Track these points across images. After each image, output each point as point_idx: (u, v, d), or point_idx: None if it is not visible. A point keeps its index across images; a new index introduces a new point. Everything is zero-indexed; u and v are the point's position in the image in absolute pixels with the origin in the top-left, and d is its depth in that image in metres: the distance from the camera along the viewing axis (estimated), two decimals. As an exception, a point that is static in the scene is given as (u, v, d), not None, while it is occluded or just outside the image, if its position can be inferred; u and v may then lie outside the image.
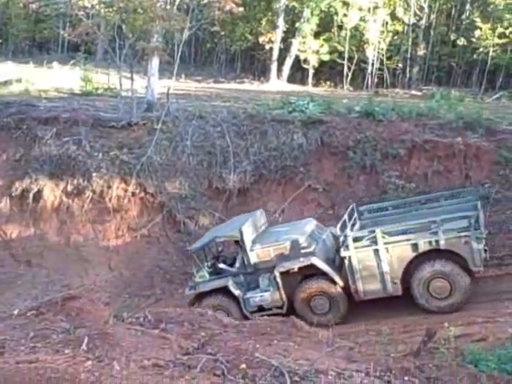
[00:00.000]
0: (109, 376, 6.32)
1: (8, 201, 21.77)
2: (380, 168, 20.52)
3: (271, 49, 36.49)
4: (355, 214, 16.01)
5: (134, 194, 21.45)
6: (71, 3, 25.98)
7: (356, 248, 13.82)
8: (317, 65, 36.07)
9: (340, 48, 35.56)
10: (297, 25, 36.14)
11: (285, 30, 36.70)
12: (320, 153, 21.62)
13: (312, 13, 34.98)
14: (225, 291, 14.99)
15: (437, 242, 13.21)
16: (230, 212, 21.17)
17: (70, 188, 21.57)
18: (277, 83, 35.19)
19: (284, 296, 14.48)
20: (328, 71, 37.78)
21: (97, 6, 25.30)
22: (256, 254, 14.76)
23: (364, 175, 20.81)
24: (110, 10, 25.29)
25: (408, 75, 35.88)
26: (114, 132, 22.94)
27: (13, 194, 21.75)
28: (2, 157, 22.84)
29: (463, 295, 13.63)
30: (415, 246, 13.35)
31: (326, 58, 35.74)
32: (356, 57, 35.51)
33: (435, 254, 13.48)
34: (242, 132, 22.63)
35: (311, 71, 36.19)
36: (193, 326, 8.76)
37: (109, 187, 21.38)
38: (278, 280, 14.38)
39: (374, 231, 13.89)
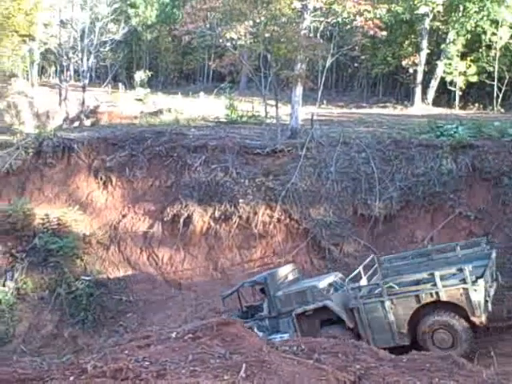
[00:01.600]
0: (269, 405, 6.29)
1: (160, 225, 22.84)
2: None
3: (415, 71, 35.76)
4: (376, 264, 16.36)
5: (279, 220, 21.66)
6: (218, 35, 26.99)
7: (362, 299, 14.36)
8: (464, 86, 34.85)
9: (489, 68, 34.08)
10: (442, 46, 35.18)
11: (429, 51, 35.84)
12: (471, 178, 20.70)
13: (458, 33, 33.92)
14: None
15: (437, 293, 13.49)
16: (375, 240, 20.80)
17: (217, 214, 22.20)
18: (421, 107, 34.39)
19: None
20: (476, 93, 36.39)
21: (243, 37, 26.07)
22: (279, 300, 15.61)
23: (521, 202, 19.66)
24: (256, 40, 25.97)
25: None
26: (259, 159, 23.42)
27: (165, 219, 22.79)
28: (154, 183, 24.08)
29: (466, 346, 13.31)
30: (418, 298, 13.66)
31: (474, 79, 34.48)
32: (507, 77, 33.80)
33: (437, 305, 13.66)
34: (388, 157, 22.23)
35: (458, 93, 35.01)
36: (347, 358, 8.56)
37: (255, 213, 21.77)
38: (295, 323, 15.04)
39: (378, 284, 14.56)
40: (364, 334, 14.25)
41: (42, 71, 44.33)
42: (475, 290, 13.15)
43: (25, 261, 22.52)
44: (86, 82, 33.47)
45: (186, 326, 11.95)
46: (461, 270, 13.55)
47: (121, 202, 24.15)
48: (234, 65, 27.29)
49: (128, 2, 45.73)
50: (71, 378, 7.92)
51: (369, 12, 24.05)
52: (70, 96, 33.89)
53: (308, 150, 23.05)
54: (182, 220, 22.41)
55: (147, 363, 8.28)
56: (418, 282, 14.17)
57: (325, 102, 33.08)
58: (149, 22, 46.42)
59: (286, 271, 17.20)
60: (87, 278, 21.80)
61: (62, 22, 36.67)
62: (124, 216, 23.61)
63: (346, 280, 15.14)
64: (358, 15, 24.08)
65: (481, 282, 13.35)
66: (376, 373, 7.92)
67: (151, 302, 21.14)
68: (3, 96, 30.83)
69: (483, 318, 13.35)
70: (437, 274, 13.60)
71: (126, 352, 9.04)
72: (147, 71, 40.37)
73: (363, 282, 15.45)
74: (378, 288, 14.42)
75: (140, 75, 39.37)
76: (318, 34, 25.93)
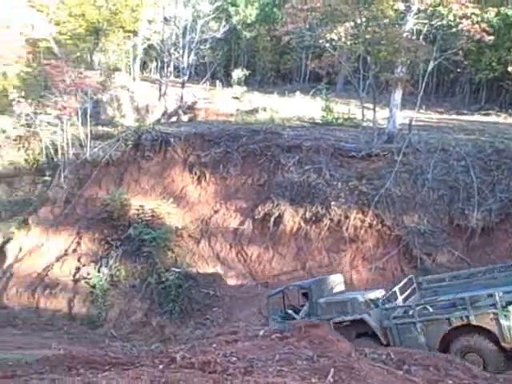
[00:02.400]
0: (357, 413, 6.14)
1: (251, 223, 22.98)
2: None
3: (522, 78, 34.14)
4: (414, 285, 16.34)
5: (370, 226, 21.28)
6: (318, 36, 26.81)
7: (395, 319, 14.44)
8: None
9: None
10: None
11: (539, 57, 34.10)
12: None
13: None
14: None
15: (467, 317, 13.30)
16: (471, 252, 20.08)
17: (308, 215, 22.09)
18: (528, 115, 32.82)
19: None
20: None
21: (343, 38, 25.79)
22: (320, 306, 15.87)
23: None
24: (356, 41, 25.62)
25: None
26: (353, 162, 23.12)
27: (255, 217, 22.92)
28: (247, 181, 24.26)
29: (495, 370, 12.36)
30: (449, 321, 13.56)
31: None
32: None
33: (468, 328, 13.37)
34: (489, 167, 21.38)
35: None
36: (439, 372, 8.27)
37: (346, 217, 21.49)
38: (332, 330, 14.45)
39: (410, 306, 14.61)
40: None
41: (143, 66, 45.70)
42: (505, 316, 12.86)
43: (119, 249, 23.31)
44: (186, 78, 34.19)
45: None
46: (491, 294, 13.37)
47: (213, 197, 24.49)
48: (333, 66, 27.03)
49: (229, 1, 46.36)
50: (160, 367, 8.07)
51: (476, 15, 23.17)
52: (169, 91, 34.73)
53: (404, 155, 22.52)
54: (272, 219, 22.44)
55: (234, 359, 8.31)
56: (452, 305, 14.08)
57: (424, 107, 32.17)
58: (248, 21, 46.87)
59: (332, 280, 17.48)
60: (177, 270, 22.26)
61: (165, 18, 37.64)
62: (216, 212, 23.93)
63: (381, 299, 15.38)
64: (464, 18, 23.25)
65: (511, 307, 13.03)
66: (470, 390, 7.61)
67: (238, 298, 21.31)
68: (107, 89, 31.97)
69: None
70: (467, 298, 13.56)
71: (214, 346, 9.12)
72: (245, 69, 40.74)
73: (400, 301, 15.44)
74: (411, 309, 14.45)
75: (237, 73, 39.79)
76: (421, 37, 25.20)
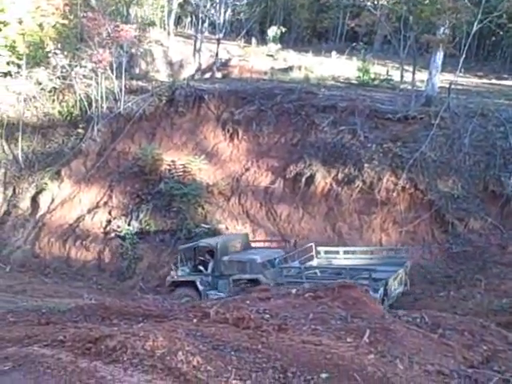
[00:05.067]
0: (393, 374, 6.09)
1: (282, 182, 22.86)
2: None
3: None
4: (313, 252, 18.36)
5: (403, 189, 20.99)
6: (358, -6, 26.14)
7: (286, 277, 16.39)
8: None
9: None
10: None
11: None
12: None
13: None
14: (194, 285, 18.09)
15: None
16: (505, 219, 19.75)
17: (340, 176, 21.88)
18: None
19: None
20: None
21: (384, -3, 25.07)
22: (223, 264, 17.85)
23: None
24: (398, 0, 24.91)
25: None
26: (389, 124, 22.72)
27: (287, 177, 22.77)
28: (280, 140, 24.06)
29: None
30: None
31: None
32: None
33: None
34: (529, 134, 20.82)
35: None
36: (473, 337, 8.15)
37: (379, 179, 21.23)
38: (231, 286, 17.31)
39: (300, 268, 16.64)
40: None
41: (178, 21, 45.15)
42: (374, 289, 14.41)
43: (150, 203, 23.48)
44: (221, 34, 33.74)
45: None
46: (368, 269, 15.59)
47: (245, 155, 24.37)
48: (372, 25, 26.40)
49: (268, -44, 45.34)
50: (194, 320, 8.11)
51: (523, -24, 22.31)
52: (203, 48, 34.35)
53: (442, 119, 22.04)
54: (303, 179, 22.29)
55: (268, 316, 8.31)
56: (337, 273, 15.84)
57: (463, 70, 31.28)
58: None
59: (237, 239, 19.56)
60: (206, 226, 22.36)
61: (201, -28, 36.98)
62: (247, 170, 23.84)
63: (278, 259, 17.58)
64: (510, -21, 22.42)
65: (380, 283, 15.07)
66: (504, 356, 7.51)
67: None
68: (142, 43, 31.74)
69: None
70: (348, 268, 15.84)
71: (247, 302, 9.13)
72: (280, 27, 39.98)
73: (296, 263, 17.53)
74: (301, 271, 16.40)
75: (273, 31, 39.07)
76: (465, -2, 24.38)
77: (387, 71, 29.69)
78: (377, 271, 15.97)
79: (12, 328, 8.82)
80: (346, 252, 18.63)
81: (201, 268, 18.57)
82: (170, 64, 33.80)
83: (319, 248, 18.78)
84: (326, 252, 18.75)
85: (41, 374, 5.35)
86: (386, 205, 21.15)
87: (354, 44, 34.47)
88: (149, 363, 5.75)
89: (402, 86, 24.68)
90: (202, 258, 18.85)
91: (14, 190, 26.33)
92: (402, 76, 24.40)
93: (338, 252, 18.70)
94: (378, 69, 30.97)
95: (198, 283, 18.07)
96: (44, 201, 25.03)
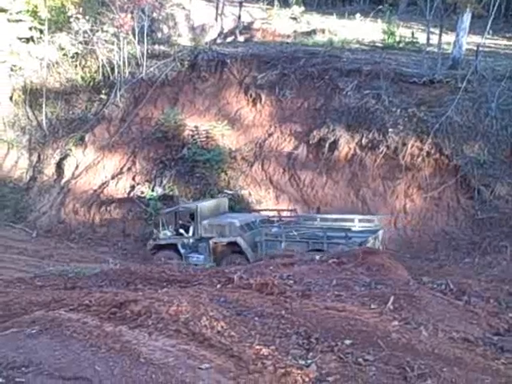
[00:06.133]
0: (418, 341, 6.06)
1: (305, 148, 22.68)
2: None
3: None
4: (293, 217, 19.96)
5: (428, 154, 20.71)
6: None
7: (266, 236, 17.68)
8: None
9: None
10: None
11: None
12: None
13: None
14: (176, 248, 18.81)
15: (322, 244, 16.92)
16: (532, 184, 19.40)
17: (364, 141, 21.63)
18: None
19: (212, 260, 17.92)
20: None
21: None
22: (203, 227, 18.51)
23: None
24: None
25: None
26: (414, 88, 22.31)
27: (310, 142, 22.57)
28: (303, 105, 23.80)
29: None
30: (307, 244, 17.10)
31: None
32: None
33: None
34: (558, 97, 20.31)
35: None
36: (500, 305, 8.10)
37: (403, 144, 20.95)
38: (211, 248, 18.18)
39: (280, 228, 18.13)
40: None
41: (200, -16, 44.60)
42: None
43: (173, 169, 23.50)
44: (243, -3, 33.27)
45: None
46: (345, 231, 17.02)
47: (268, 120, 24.18)
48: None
49: None
50: (218, 286, 8.14)
51: None
52: (226, 11, 33.91)
53: (469, 82, 21.57)
54: (327, 144, 22.06)
55: (291, 282, 8.32)
56: (313, 234, 17.61)
57: (491, 32, 30.55)
58: None
59: (216, 204, 20.23)
60: (229, 192, 22.36)
61: None
62: (270, 135, 23.68)
63: (257, 222, 18.52)
64: None
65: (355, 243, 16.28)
66: (530, 324, 7.42)
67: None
68: (163, 7, 31.42)
69: None
70: (325, 229, 17.36)
71: (271, 268, 9.15)
72: (303, -11, 39.29)
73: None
74: (281, 232, 17.70)
75: (296, -7, 38.46)
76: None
77: (413, 34, 29.06)
78: (352, 231, 17.43)
79: (39, 292, 8.96)
80: (322, 219, 19.44)
81: (182, 231, 19.23)
82: (192, 28, 33.45)
83: (298, 213, 20.31)
84: (305, 218, 19.83)
85: (67, 338, 5.41)
86: (410, 170, 20.92)
87: (379, 6, 33.74)
88: (173, 328, 5.79)
89: (427, 48, 24.14)
90: (183, 222, 19.61)
91: (39, 156, 26.55)
92: (428, 38, 23.88)
93: (315, 219, 19.52)
94: (403, 31, 30.32)
95: (179, 246, 18.84)
96: (68, 167, 25.21)
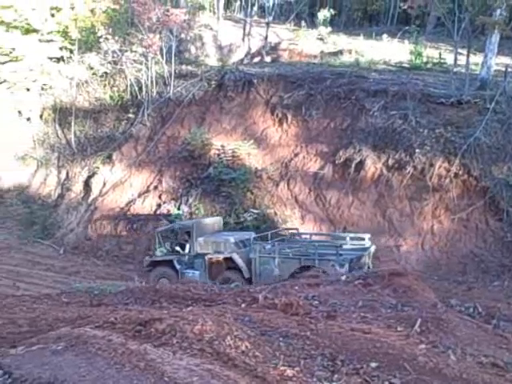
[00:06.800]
0: (446, 365, 5.94)
1: (331, 168, 22.64)
2: None
3: None
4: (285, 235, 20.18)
5: (456, 175, 20.52)
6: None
7: (260, 252, 18.13)
8: None
9: None
10: None
11: None
12: None
13: None
14: (172, 265, 19.27)
15: (313, 260, 17.26)
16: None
17: (391, 162, 21.52)
18: None
19: (208, 276, 18.41)
20: None
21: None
22: (199, 244, 19.03)
23: None
24: (452, -19, 24.21)
25: None
26: (441, 109, 22.17)
27: (336, 162, 22.53)
28: (330, 125, 23.80)
29: None
30: (299, 261, 17.44)
31: None
32: None
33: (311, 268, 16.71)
34: None
35: None
36: (530, 329, 7.91)
37: (431, 165, 20.79)
38: (207, 264, 18.65)
39: (274, 246, 18.36)
40: (254, 279, 17.79)
41: (227, 5, 45.09)
42: (341, 264, 16.50)
43: (199, 188, 23.63)
44: (270, 18, 33.54)
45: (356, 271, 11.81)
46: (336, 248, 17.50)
47: (294, 140, 24.22)
48: (425, 7, 25.71)
49: None
50: (243, 305, 8.10)
51: None
52: (253, 31, 34.21)
53: (497, 103, 21.38)
54: (353, 164, 22.00)
55: (317, 302, 8.24)
56: (305, 251, 17.92)
57: (518, 52, 30.35)
58: (337, -41, 45.13)
59: (211, 222, 20.76)
60: (255, 211, 22.37)
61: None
62: (296, 155, 23.70)
63: (253, 237, 18.88)
64: None
65: (346, 259, 16.88)
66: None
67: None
68: (191, 28, 31.82)
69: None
70: (316, 246, 17.73)
71: (296, 288, 9.08)
72: (331, 10, 39.47)
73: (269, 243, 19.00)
74: (275, 248, 18.11)
75: (323, 14, 38.59)
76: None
77: (440, 54, 28.95)
78: (344, 249, 18.01)
79: (65, 309, 9.02)
80: (314, 235, 20.23)
81: (177, 248, 19.69)
82: (220, 48, 33.79)
83: (291, 231, 20.58)
84: (297, 234, 20.29)
85: (92, 355, 5.41)
86: (437, 191, 20.73)
87: (406, 27, 33.73)
88: (197, 347, 5.76)
89: (455, 69, 24.04)
90: (179, 240, 20.00)
91: (67, 173, 26.94)
92: (455, 59, 23.80)
93: (307, 236, 20.15)
94: (430, 52, 30.24)
95: (175, 262, 19.27)
96: (96, 184, 25.50)
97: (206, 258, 18.66)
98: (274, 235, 19.34)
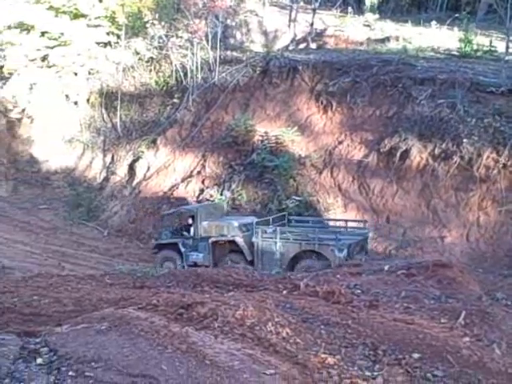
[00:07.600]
0: (490, 359, 5.83)
1: (376, 156, 22.37)
2: None
3: None
4: (285, 220, 20.00)
5: (504, 166, 20.02)
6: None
7: (262, 236, 18.43)
8: None
9: None
10: None
11: None
12: None
13: None
14: (176, 248, 19.66)
15: (314, 245, 17.68)
16: None
17: (437, 151, 21.14)
18: None
19: (211, 259, 18.94)
20: None
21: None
22: (203, 227, 19.35)
23: None
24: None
25: None
26: (491, 98, 21.63)
27: (381, 150, 22.25)
28: (375, 113, 23.49)
29: None
30: (300, 245, 17.93)
31: None
32: None
33: (311, 253, 17.67)
34: None
35: None
36: None
37: (478, 155, 20.35)
38: (210, 247, 19.06)
39: (275, 229, 18.43)
40: (256, 262, 18.24)
41: (273, -9, 44.86)
42: (339, 249, 17.10)
43: (242, 174, 23.67)
44: (317, 4, 33.18)
45: (399, 261, 11.66)
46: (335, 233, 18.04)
47: (338, 127, 24.01)
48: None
49: None
50: (284, 292, 8.10)
51: None
52: (298, 17, 33.93)
53: (550, 92, 20.78)
54: (398, 153, 21.68)
55: (359, 291, 8.18)
56: (305, 236, 18.19)
57: None
58: None
59: (215, 206, 21.32)
60: (298, 199, 22.29)
61: None
62: (340, 142, 23.49)
63: (255, 221, 19.01)
64: None
65: (345, 244, 17.32)
66: None
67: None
68: (237, 14, 31.75)
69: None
70: (317, 232, 18.08)
71: (338, 277, 9.03)
72: (378, -4, 38.86)
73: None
74: (276, 232, 18.24)
75: (370, 0, 38.05)
76: None
77: (491, 42, 28.17)
78: (343, 234, 18.45)
79: (109, 290, 9.17)
80: (316, 222, 20.35)
81: (182, 232, 20.05)
82: (265, 34, 33.62)
83: (291, 217, 20.47)
84: (297, 221, 20.30)
85: (135, 336, 5.49)
86: (485, 182, 20.28)
87: (455, 14, 32.93)
88: (239, 332, 5.78)
89: (507, 57, 23.39)
90: (184, 223, 20.35)
91: (113, 157, 27.32)
92: (507, 47, 23.16)
93: (308, 221, 20.36)
94: (480, 39, 29.44)
95: (180, 245, 19.69)
96: (140, 168, 25.81)
97: (210, 240, 19.09)
98: (276, 220, 19.46)
